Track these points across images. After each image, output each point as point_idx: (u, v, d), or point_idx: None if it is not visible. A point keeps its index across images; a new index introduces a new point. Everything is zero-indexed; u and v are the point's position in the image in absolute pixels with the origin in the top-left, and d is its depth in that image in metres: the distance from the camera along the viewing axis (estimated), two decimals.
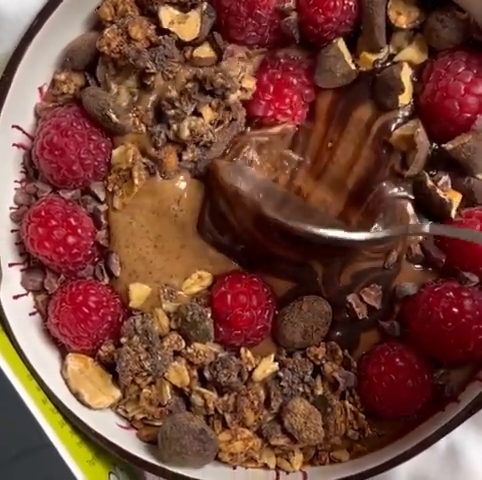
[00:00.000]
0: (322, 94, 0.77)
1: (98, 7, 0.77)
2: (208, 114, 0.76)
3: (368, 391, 0.77)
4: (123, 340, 0.76)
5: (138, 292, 0.80)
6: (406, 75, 0.73)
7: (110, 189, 0.79)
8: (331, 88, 0.77)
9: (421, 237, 0.76)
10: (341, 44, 0.75)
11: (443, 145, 0.73)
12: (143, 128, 0.78)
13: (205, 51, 0.77)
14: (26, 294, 0.82)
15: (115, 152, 0.79)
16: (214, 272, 0.80)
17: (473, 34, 0.72)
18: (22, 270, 0.83)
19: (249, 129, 0.79)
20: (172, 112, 0.75)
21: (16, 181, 0.82)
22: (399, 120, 0.74)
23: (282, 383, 0.77)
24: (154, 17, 0.76)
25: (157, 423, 0.79)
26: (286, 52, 0.78)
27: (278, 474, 0.79)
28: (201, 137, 0.75)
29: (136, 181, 0.77)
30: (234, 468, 0.79)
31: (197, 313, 0.76)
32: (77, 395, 0.79)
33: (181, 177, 0.78)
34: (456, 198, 0.74)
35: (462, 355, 0.73)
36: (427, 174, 0.74)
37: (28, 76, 0.78)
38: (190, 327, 0.77)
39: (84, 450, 0.76)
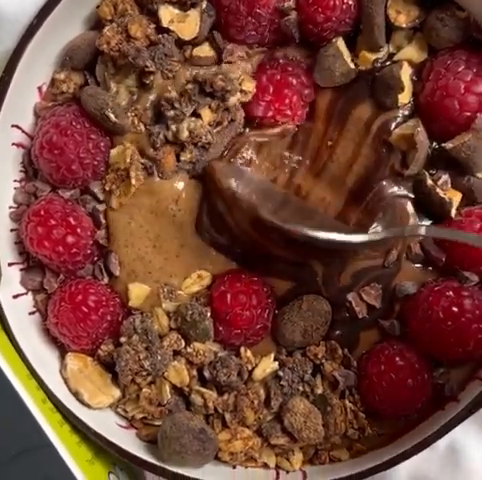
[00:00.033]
0: (321, 93, 0.77)
1: (98, 6, 0.77)
2: (207, 115, 0.76)
3: (368, 390, 0.77)
4: (123, 339, 0.76)
5: (137, 292, 0.80)
6: (406, 74, 0.73)
7: (108, 188, 0.79)
8: (330, 87, 0.77)
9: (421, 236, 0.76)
10: (340, 43, 0.75)
11: (443, 144, 0.73)
12: (142, 128, 0.78)
13: (205, 50, 0.77)
14: (25, 293, 0.82)
15: (113, 151, 0.78)
16: (214, 271, 0.80)
17: (473, 33, 0.72)
18: (21, 269, 0.83)
19: (248, 130, 0.79)
20: (171, 113, 0.75)
21: (15, 180, 0.82)
22: (399, 119, 0.74)
23: (282, 382, 0.77)
24: (154, 16, 0.76)
25: (157, 422, 0.79)
26: (285, 52, 0.78)
27: (278, 473, 0.79)
28: (200, 138, 0.75)
29: (133, 181, 0.77)
30: (234, 467, 0.79)
31: (197, 312, 0.76)
32: (76, 394, 0.79)
33: (179, 177, 0.78)
34: (456, 197, 0.74)
35: (462, 354, 0.73)
36: (427, 173, 0.74)
37: (27, 75, 0.78)
38: (190, 326, 0.77)
39: (84, 449, 0.76)
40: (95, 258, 0.81)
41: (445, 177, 0.74)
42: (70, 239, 0.78)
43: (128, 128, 0.77)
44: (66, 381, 0.79)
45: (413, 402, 0.75)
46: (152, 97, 0.77)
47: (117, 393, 0.79)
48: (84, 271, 0.81)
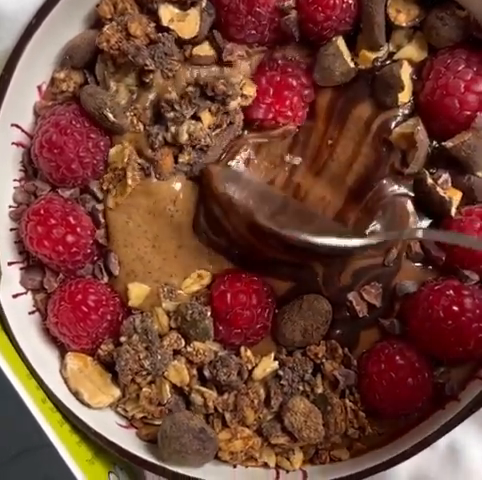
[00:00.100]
0: (321, 92, 0.77)
1: (97, 5, 0.77)
2: (207, 118, 0.76)
3: (368, 389, 0.77)
4: (123, 339, 0.76)
5: (137, 291, 0.80)
6: (406, 73, 0.73)
7: (105, 188, 0.79)
8: (330, 86, 0.77)
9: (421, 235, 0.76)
10: (340, 42, 0.75)
11: (443, 143, 0.73)
12: (141, 127, 0.77)
13: (205, 49, 0.76)
14: (25, 293, 0.82)
15: (112, 151, 0.78)
16: (213, 271, 0.80)
17: (473, 32, 0.72)
18: (21, 269, 0.83)
19: (247, 132, 0.79)
20: (171, 115, 0.75)
21: (15, 180, 0.82)
22: (399, 118, 0.74)
23: (282, 382, 0.77)
24: (154, 15, 0.76)
25: (157, 422, 0.79)
26: (284, 53, 0.78)
27: (278, 473, 0.79)
28: (199, 141, 0.75)
29: (129, 181, 0.77)
30: (234, 467, 0.79)
31: (197, 312, 0.76)
32: (76, 394, 0.79)
33: (176, 178, 0.78)
34: (456, 196, 0.74)
35: (462, 353, 0.73)
36: (427, 172, 0.74)
37: (27, 74, 0.78)
38: (190, 326, 0.77)
39: (84, 449, 0.76)
40: (95, 257, 0.81)
41: (445, 176, 0.74)
42: (70, 238, 0.78)
43: (127, 128, 0.77)
44: (66, 381, 0.79)
45: (413, 401, 0.75)
46: (152, 96, 0.77)
47: (117, 393, 0.79)
48: (84, 270, 0.81)
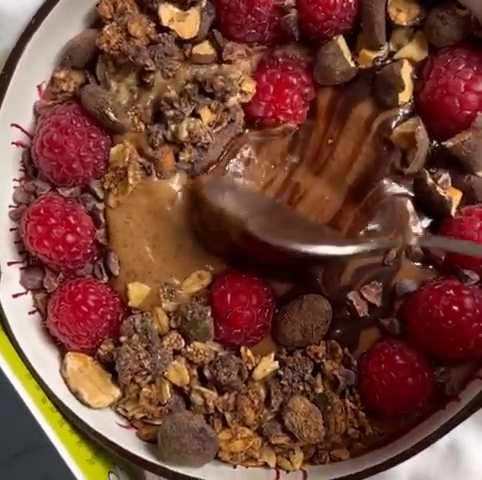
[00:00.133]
0: (322, 91, 0.77)
1: (97, 4, 0.77)
2: (207, 116, 0.76)
3: (368, 389, 0.77)
4: (123, 339, 0.76)
5: (137, 292, 0.80)
6: (406, 73, 0.73)
7: (106, 187, 0.79)
8: (331, 85, 0.77)
9: (421, 234, 0.76)
10: (341, 41, 0.75)
11: (443, 143, 0.73)
12: (142, 127, 0.78)
13: (205, 48, 0.76)
14: (25, 293, 0.82)
15: (113, 150, 0.78)
16: (213, 271, 0.80)
17: (473, 31, 0.72)
18: (21, 269, 0.83)
19: (249, 130, 0.79)
20: (171, 113, 0.75)
21: (15, 179, 0.82)
22: (399, 118, 0.74)
23: (282, 382, 0.77)
24: (154, 15, 0.76)
25: (157, 422, 0.79)
26: (284, 51, 0.78)
27: (278, 473, 0.79)
28: (199, 138, 0.75)
29: (130, 180, 0.77)
30: (234, 467, 0.79)
31: (197, 312, 0.76)
32: (76, 394, 0.79)
33: (177, 177, 0.78)
34: (456, 196, 0.74)
35: (462, 353, 0.73)
36: (427, 172, 0.74)
37: (27, 74, 0.78)
38: (190, 326, 0.76)
39: (84, 449, 0.76)
40: (95, 257, 0.81)
41: (445, 176, 0.74)
42: (70, 238, 0.78)
43: (128, 127, 0.77)
44: (66, 381, 0.79)
45: (413, 401, 0.75)
46: (152, 96, 0.77)
47: (117, 393, 0.79)
48: (84, 270, 0.81)
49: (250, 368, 0.78)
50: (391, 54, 0.75)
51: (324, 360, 0.78)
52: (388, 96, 0.74)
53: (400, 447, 0.73)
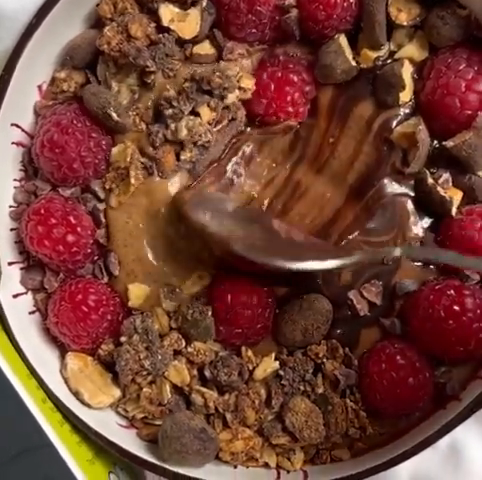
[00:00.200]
0: (323, 90, 0.78)
1: (97, 4, 0.77)
2: (206, 114, 0.76)
3: (369, 389, 0.77)
4: (123, 339, 0.76)
5: (137, 292, 0.79)
6: (407, 72, 0.73)
7: (107, 187, 0.79)
8: (332, 84, 0.77)
9: (421, 234, 0.76)
10: (343, 40, 0.75)
11: (444, 142, 0.73)
12: (143, 126, 0.78)
13: (205, 48, 0.77)
14: (26, 293, 0.82)
15: (114, 150, 0.78)
16: (213, 271, 0.80)
17: (474, 31, 0.72)
18: (22, 269, 0.83)
19: (250, 128, 0.79)
20: (170, 111, 0.75)
21: (15, 179, 0.82)
22: (400, 117, 0.75)
23: (283, 382, 0.77)
24: (154, 15, 0.76)
25: (157, 422, 0.79)
26: (285, 49, 0.78)
27: (279, 473, 0.79)
28: (199, 137, 0.75)
29: (132, 180, 0.77)
30: (235, 467, 0.79)
31: (198, 311, 0.76)
32: (77, 394, 0.78)
33: (178, 177, 0.78)
34: (457, 196, 0.75)
35: (463, 353, 0.73)
36: (428, 171, 0.74)
37: (27, 74, 0.78)
38: (191, 325, 0.76)
39: (84, 449, 0.76)
40: (95, 257, 0.81)
41: (446, 175, 0.74)
42: (70, 238, 0.78)
43: (129, 127, 0.77)
44: (66, 381, 0.79)
45: (414, 401, 0.75)
46: (153, 96, 0.77)
47: (117, 393, 0.79)
48: (84, 270, 0.81)
49: (251, 368, 0.78)
50: (392, 54, 0.75)
51: (325, 360, 0.78)
52: (389, 95, 0.74)
53: (401, 447, 0.73)
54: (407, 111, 0.75)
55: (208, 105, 0.76)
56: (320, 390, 0.77)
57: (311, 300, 0.77)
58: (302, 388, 0.77)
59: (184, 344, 0.78)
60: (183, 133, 0.75)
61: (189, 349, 0.77)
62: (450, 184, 0.75)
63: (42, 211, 0.77)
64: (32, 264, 0.82)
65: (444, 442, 0.78)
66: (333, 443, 0.78)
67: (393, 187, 0.75)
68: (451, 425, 0.71)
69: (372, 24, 0.73)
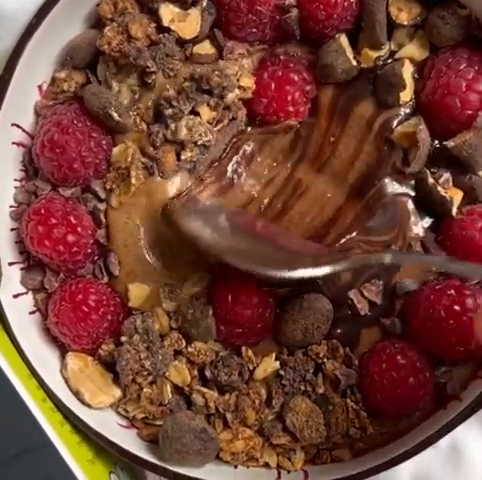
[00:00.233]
0: (323, 89, 0.78)
1: (98, 4, 0.77)
2: (206, 113, 0.76)
3: (369, 389, 0.77)
4: (123, 339, 0.76)
5: (137, 292, 0.79)
6: (407, 72, 0.73)
7: (108, 187, 0.79)
8: (332, 83, 0.77)
9: (422, 234, 0.76)
10: (343, 39, 0.75)
11: (444, 142, 0.73)
12: (144, 126, 0.78)
13: (205, 48, 0.77)
14: (26, 293, 0.82)
15: (115, 150, 0.78)
16: (213, 271, 0.80)
17: (474, 31, 0.72)
18: (22, 269, 0.82)
19: (251, 127, 0.79)
20: (170, 111, 0.75)
21: (16, 179, 0.82)
22: (401, 117, 0.75)
23: (283, 382, 0.77)
24: (154, 15, 0.76)
25: (158, 422, 0.79)
26: (286, 49, 0.78)
27: (279, 473, 0.79)
28: (199, 136, 0.75)
29: (133, 180, 0.77)
30: (235, 467, 0.79)
31: (198, 311, 0.76)
32: (77, 394, 0.78)
33: (178, 177, 0.78)
34: (457, 196, 0.75)
35: (464, 353, 0.73)
36: (428, 171, 0.74)
37: (28, 74, 0.78)
38: (191, 325, 0.76)
39: (84, 449, 0.76)
40: (95, 257, 0.81)
41: (446, 175, 0.74)
42: (70, 238, 0.78)
43: (130, 127, 0.77)
44: (67, 381, 0.79)
45: (415, 401, 0.75)
46: (154, 96, 0.77)
47: (118, 393, 0.79)
48: (84, 270, 0.81)
49: (251, 368, 0.78)
50: (392, 53, 0.75)
51: (325, 360, 0.78)
52: (389, 95, 0.74)
53: (401, 447, 0.73)
54: (408, 111, 0.75)
55: (208, 104, 0.76)
56: (321, 390, 0.77)
57: (311, 300, 0.77)
58: (303, 388, 0.77)
59: (184, 344, 0.78)
60: (183, 133, 0.75)
61: (189, 349, 0.77)
62: (451, 184, 0.75)
63: (42, 211, 0.77)
64: (32, 264, 0.82)
65: (445, 442, 0.78)
66: (334, 443, 0.78)
67: (394, 187, 0.75)
68: (452, 425, 0.71)
69: (373, 24, 0.73)
